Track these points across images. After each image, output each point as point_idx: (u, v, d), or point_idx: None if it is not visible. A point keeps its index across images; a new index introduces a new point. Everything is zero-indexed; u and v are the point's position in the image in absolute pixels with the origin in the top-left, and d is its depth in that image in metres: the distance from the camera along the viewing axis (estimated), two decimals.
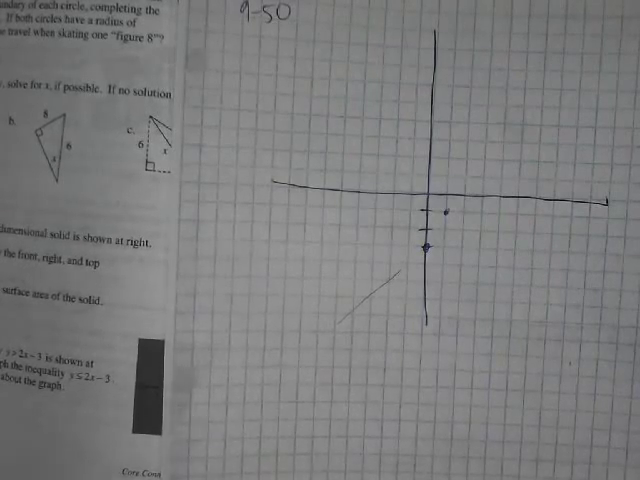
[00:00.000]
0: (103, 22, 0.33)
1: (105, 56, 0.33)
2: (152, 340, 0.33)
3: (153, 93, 0.33)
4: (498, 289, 0.35)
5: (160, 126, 0.33)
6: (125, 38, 0.33)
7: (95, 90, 0.33)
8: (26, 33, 0.33)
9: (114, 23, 0.33)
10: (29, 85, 0.33)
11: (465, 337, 0.35)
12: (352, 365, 0.35)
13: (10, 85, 0.33)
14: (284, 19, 0.33)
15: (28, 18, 0.33)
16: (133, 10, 0.33)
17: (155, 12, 0.33)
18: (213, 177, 0.33)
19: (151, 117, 0.33)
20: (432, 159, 0.34)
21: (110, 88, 0.33)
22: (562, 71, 0.34)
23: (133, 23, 0.33)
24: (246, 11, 0.33)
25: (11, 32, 0.33)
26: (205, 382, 0.34)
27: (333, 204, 0.34)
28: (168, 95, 0.33)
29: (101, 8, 0.33)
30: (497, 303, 0.35)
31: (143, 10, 0.33)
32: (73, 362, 0.34)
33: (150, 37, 0.33)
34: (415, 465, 0.35)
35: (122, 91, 0.33)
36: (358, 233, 0.34)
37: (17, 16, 0.33)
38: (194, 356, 0.34)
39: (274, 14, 0.33)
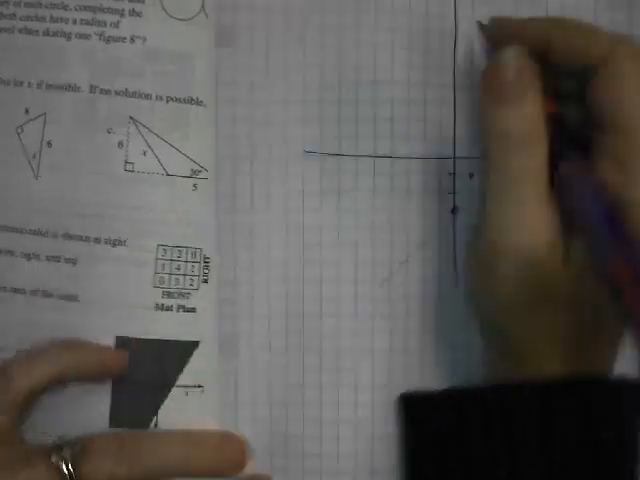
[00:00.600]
0: (87, 23, 0.33)
1: (88, 56, 0.33)
2: (129, 338, 0.34)
3: (134, 94, 0.33)
4: None
5: (140, 127, 0.33)
6: (108, 39, 0.33)
7: (77, 90, 0.33)
8: (10, 31, 0.33)
9: (97, 24, 0.33)
10: (11, 83, 0.33)
11: None
12: (392, 330, 0.35)
13: None
14: None
15: (12, 16, 0.33)
16: (116, 12, 0.33)
17: (138, 14, 0.33)
18: (247, 151, 0.34)
19: (131, 118, 0.33)
20: (456, 123, 0.35)
21: (91, 88, 0.33)
22: None
23: (116, 24, 0.33)
24: None
25: None
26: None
27: (366, 170, 0.35)
28: (149, 96, 0.33)
29: (85, 9, 0.33)
30: None
31: (126, 12, 0.33)
32: None
33: (132, 39, 0.33)
34: None
35: (103, 91, 0.33)
36: (392, 199, 0.35)
37: (2, 14, 0.33)
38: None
39: None
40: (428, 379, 0.36)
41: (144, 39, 0.33)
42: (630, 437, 0.30)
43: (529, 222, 0.28)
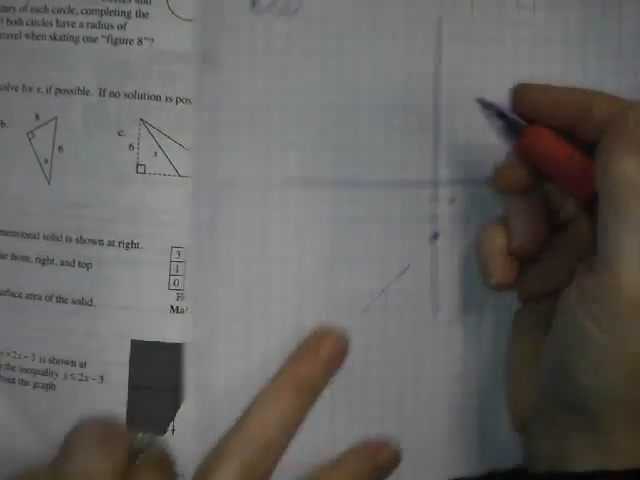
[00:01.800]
0: (94, 26, 0.33)
1: (96, 59, 0.33)
2: (144, 341, 0.34)
3: (143, 96, 0.33)
4: None
5: (150, 129, 0.33)
6: (115, 41, 0.33)
7: (86, 93, 0.33)
8: (17, 37, 0.33)
9: (104, 27, 0.33)
10: (20, 88, 0.33)
11: (475, 324, 0.34)
12: (370, 360, 0.34)
13: (1, 88, 0.33)
14: (293, 13, 0.33)
15: (19, 22, 0.33)
16: (123, 14, 0.33)
17: (145, 16, 0.33)
18: (229, 176, 0.33)
19: (141, 120, 0.33)
20: (437, 148, 0.34)
21: (101, 91, 0.33)
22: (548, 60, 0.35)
23: (123, 27, 0.33)
24: (257, 7, 0.33)
25: (2, 36, 0.33)
26: None
27: (345, 199, 0.34)
28: (158, 97, 0.33)
29: (91, 12, 0.33)
30: None
31: (133, 14, 0.33)
32: (67, 363, 0.34)
33: (140, 40, 0.33)
34: None
35: (113, 94, 0.33)
36: (370, 227, 0.34)
37: (8, 20, 0.33)
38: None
39: (284, 6, 0.33)
40: (406, 410, 0.35)
41: (152, 40, 0.33)
42: None
43: None
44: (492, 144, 0.33)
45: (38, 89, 0.33)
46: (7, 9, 0.33)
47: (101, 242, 0.34)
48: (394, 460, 0.32)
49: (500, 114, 0.29)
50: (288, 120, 0.34)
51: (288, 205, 0.34)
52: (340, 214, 0.34)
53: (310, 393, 0.30)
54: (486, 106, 0.30)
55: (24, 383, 0.34)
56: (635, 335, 0.26)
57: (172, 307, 0.34)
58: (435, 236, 0.34)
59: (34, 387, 0.34)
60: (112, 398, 0.34)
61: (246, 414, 0.29)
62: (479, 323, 0.35)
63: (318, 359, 0.30)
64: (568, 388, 0.28)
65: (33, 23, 0.33)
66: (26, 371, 0.34)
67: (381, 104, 0.34)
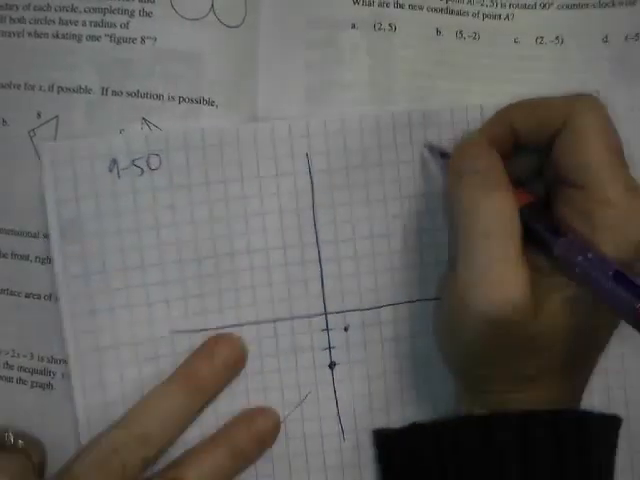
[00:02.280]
0: (97, 24, 0.33)
1: (98, 58, 0.33)
2: None
3: (146, 95, 0.33)
4: (404, 393, 0.35)
5: (152, 127, 0.33)
6: (118, 40, 0.33)
7: (88, 92, 0.33)
8: (20, 35, 0.33)
9: (107, 25, 0.33)
10: (22, 87, 0.33)
11: None
12: None
13: (3, 86, 0.33)
14: (156, 169, 0.33)
15: (22, 20, 0.33)
16: (126, 12, 0.33)
17: (148, 14, 0.33)
18: (110, 340, 0.33)
19: (144, 119, 0.33)
20: (324, 279, 0.34)
21: (103, 90, 0.33)
22: None
23: (126, 25, 0.33)
24: (115, 169, 0.33)
25: (4, 34, 0.33)
26: None
27: None
28: (161, 97, 0.33)
29: (94, 11, 0.33)
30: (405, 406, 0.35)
31: (136, 13, 0.33)
32: (65, 362, 0.34)
33: (143, 39, 0.33)
34: None
35: (115, 93, 0.33)
36: (262, 363, 0.34)
37: (11, 18, 0.33)
38: None
39: (145, 166, 0.33)
40: None
41: (154, 39, 0.33)
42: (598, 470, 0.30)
43: (497, 279, 0.27)
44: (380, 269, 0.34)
45: (40, 87, 0.33)
46: (10, 7, 0.33)
47: None
48: (272, 424, 0.34)
49: (443, 154, 0.33)
50: (165, 275, 0.33)
51: (179, 357, 0.34)
52: None
53: (201, 394, 0.32)
54: (432, 149, 0.34)
55: (22, 382, 0.34)
56: (460, 329, 0.29)
57: None
58: (332, 365, 0.34)
59: (32, 387, 0.34)
60: None
61: (131, 409, 0.32)
62: None
63: (212, 363, 0.33)
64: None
65: (36, 21, 0.33)
66: (24, 370, 0.34)
67: (259, 245, 0.34)
